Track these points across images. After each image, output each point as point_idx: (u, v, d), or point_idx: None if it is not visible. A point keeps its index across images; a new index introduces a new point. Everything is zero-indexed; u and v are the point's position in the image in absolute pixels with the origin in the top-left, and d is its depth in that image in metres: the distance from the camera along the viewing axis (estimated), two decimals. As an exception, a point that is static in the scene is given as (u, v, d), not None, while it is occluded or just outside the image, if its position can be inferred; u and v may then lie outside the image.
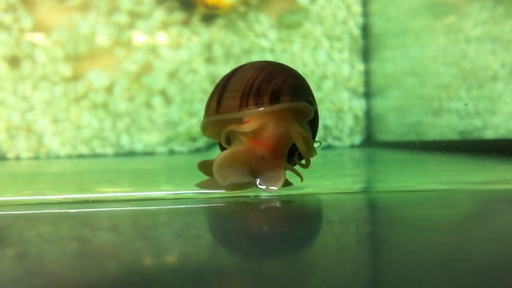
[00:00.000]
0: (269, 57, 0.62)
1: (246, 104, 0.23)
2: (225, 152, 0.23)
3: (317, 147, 0.25)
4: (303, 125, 0.24)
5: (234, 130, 0.24)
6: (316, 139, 0.26)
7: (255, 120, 0.23)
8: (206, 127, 0.25)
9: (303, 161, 0.25)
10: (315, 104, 0.25)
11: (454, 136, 0.49)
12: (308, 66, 0.63)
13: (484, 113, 0.44)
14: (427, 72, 0.53)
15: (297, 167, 0.25)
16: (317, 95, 0.63)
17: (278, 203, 0.25)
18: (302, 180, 0.24)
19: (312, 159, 0.25)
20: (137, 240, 0.18)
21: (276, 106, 0.23)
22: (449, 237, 0.17)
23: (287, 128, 0.23)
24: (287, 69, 0.25)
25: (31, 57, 0.62)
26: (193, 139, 0.61)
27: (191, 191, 0.27)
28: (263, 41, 0.63)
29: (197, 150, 0.60)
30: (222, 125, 0.24)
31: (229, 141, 0.24)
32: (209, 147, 0.57)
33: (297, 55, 0.63)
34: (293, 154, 0.25)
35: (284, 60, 0.63)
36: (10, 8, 0.61)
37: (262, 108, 0.23)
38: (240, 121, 0.23)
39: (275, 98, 0.23)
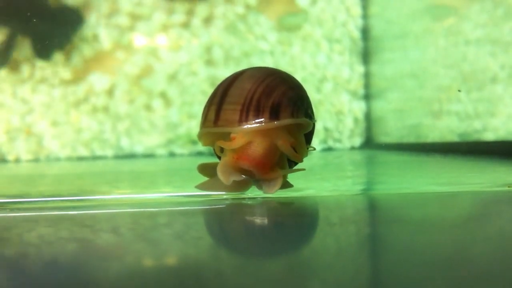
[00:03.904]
0: (269, 60, 0.62)
1: (246, 120, 0.23)
2: (224, 159, 0.24)
3: (311, 150, 0.25)
4: (297, 135, 0.24)
5: (221, 146, 0.24)
6: (317, 140, 0.26)
7: (240, 137, 0.23)
8: (201, 137, 0.25)
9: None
10: (314, 117, 0.25)
11: (454, 138, 0.49)
12: (308, 68, 0.63)
13: (483, 115, 0.45)
14: (427, 74, 0.54)
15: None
16: (316, 97, 0.63)
17: (278, 204, 0.25)
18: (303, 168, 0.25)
19: (313, 161, 0.25)
20: (137, 241, 0.18)
21: (276, 124, 0.23)
22: (449, 238, 0.17)
23: (273, 141, 0.23)
24: (286, 79, 0.25)
25: (30, 61, 0.62)
26: (194, 141, 0.61)
27: (191, 193, 0.27)
28: (262, 44, 0.63)
29: (198, 153, 0.60)
30: (219, 136, 0.24)
31: (222, 149, 0.24)
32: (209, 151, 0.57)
33: (297, 58, 0.63)
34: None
35: (283, 62, 0.63)
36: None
37: (263, 124, 0.23)
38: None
39: (274, 115, 0.23)
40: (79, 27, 0.59)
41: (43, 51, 0.58)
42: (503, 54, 0.43)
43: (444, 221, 0.20)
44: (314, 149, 0.25)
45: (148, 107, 0.62)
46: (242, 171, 0.23)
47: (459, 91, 0.42)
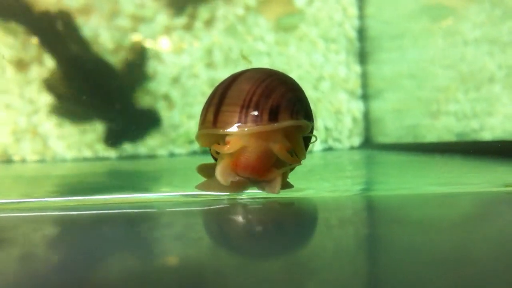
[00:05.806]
0: (266, 61, 0.63)
1: (244, 121, 0.23)
2: (223, 162, 0.24)
3: (313, 142, 0.25)
4: (295, 137, 0.24)
5: (216, 150, 0.24)
6: (318, 141, 0.26)
7: (235, 141, 0.23)
8: (199, 137, 0.25)
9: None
10: (313, 119, 0.25)
11: (451, 138, 0.49)
12: (304, 68, 0.63)
13: (481, 114, 0.45)
14: (425, 75, 0.54)
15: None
16: (314, 95, 0.63)
17: (277, 205, 0.25)
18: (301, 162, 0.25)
19: (313, 161, 0.25)
20: (138, 241, 0.18)
21: (275, 126, 0.23)
22: (449, 238, 0.17)
23: (268, 146, 0.23)
24: (285, 80, 0.25)
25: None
26: (192, 142, 0.61)
27: (191, 193, 0.27)
28: (260, 45, 0.63)
29: (194, 153, 0.61)
30: (217, 138, 0.24)
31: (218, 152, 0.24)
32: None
33: (293, 58, 0.63)
34: None
35: (280, 62, 0.63)
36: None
37: (262, 126, 0.23)
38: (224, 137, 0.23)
39: (273, 116, 0.23)
40: (156, 128, 0.60)
41: (112, 139, 0.59)
42: (500, 54, 0.43)
43: (443, 221, 0.20)
44: (316, 139, 0.25)
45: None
46: (240, 175, 0.23)
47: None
